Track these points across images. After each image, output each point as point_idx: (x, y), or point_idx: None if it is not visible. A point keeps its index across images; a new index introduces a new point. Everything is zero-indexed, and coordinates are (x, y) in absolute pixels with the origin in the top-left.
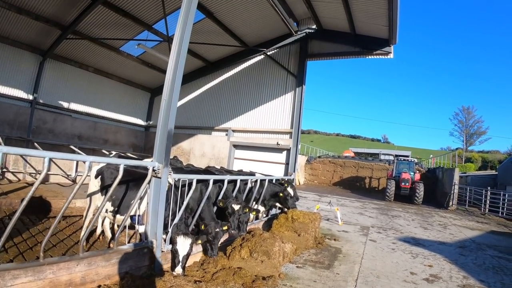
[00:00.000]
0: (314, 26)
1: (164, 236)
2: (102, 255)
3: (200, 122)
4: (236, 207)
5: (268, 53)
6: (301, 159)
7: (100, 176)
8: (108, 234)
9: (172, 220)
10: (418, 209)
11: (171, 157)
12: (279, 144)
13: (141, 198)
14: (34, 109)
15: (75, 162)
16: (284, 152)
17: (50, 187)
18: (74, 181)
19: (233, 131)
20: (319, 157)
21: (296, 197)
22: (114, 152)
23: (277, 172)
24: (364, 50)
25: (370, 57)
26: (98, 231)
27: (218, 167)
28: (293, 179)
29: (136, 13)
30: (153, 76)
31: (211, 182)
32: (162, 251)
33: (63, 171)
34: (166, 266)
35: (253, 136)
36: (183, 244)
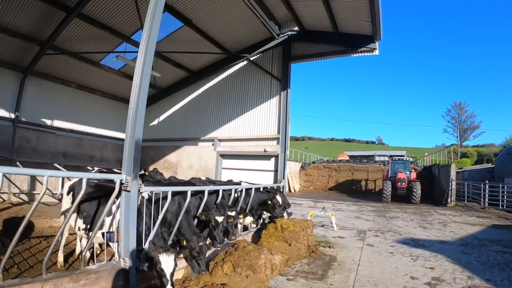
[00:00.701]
0: (296, 28)
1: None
2: (68, 276)
3: (186, 134)
4: (220, 218)
5: (251, 59)
6: (295, 166)
7: (71, 193)
8: (87, 253)
9: (147, 235)
10: (416, 208)
11: (152, 169)
12: (266, 151)
13: (113, 214)
14: (16, 128)
15: (60, 180)
16: (273, 159)
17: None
18: (60, 199)
19: (220, 140)
20: (313, 162)
21: (287, 204)
22: (96, 168)
23: (267, 180)
24: (349, 48)
25: (355, 55)
26: (77, 250)
27: (204, 178)
28: (283, 186)
29: (113, 24)
30: None
31: (188, 194)
32: (138, 270)
33: (48, 189)
34: (145, 285)
35: (240, 145)
36: (167, 262)
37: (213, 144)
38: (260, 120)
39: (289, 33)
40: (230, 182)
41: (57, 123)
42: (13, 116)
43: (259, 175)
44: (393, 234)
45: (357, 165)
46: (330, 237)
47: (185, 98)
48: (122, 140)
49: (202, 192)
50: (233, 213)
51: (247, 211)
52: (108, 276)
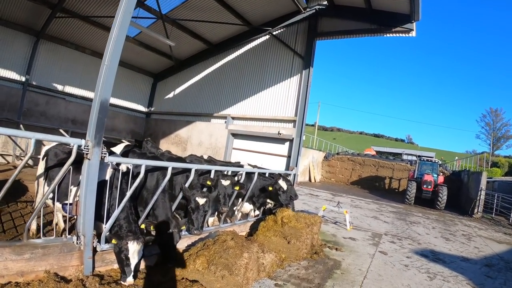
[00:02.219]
0: (325, 2)
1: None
2: (10, 247)
3: (200, 109)
4: (201, 200)
5: (274, 33)
6: (318, 155)
7: (45, 158)
8: (61, 224)
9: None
10: (440, 215)
11: (149, 143)
12: (280, 134)
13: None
14: (26, 91)
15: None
16: (287, 144)
17: (34, 171)
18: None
19: (233, 118)
20: (337, 153)
21: (293, 194)
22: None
23: (278, 166)
24: (382, 27)
25: (389, 35)
26: (55, 220)
27: (206, 157)
28: (294, 174)
29: None
30: (155, 59)
31: (169, 170)
32: (97, 251)
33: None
34: (104, 269)
35: (253, 124)
36: (135, 251)
37: (225, 122)
38: (277, 100)
39: (317, 7)
40: (230, 163)
41: (69, 89)
42: (23, 79)
43: (270, 160)
44: (411, 242)
45: (382, 161)
46: (341, 237)
47: (202, 71)
48: (135, 111)
49: (189, 170)
50: (227, 182)
51: (246, 197)
52: (59, 253)
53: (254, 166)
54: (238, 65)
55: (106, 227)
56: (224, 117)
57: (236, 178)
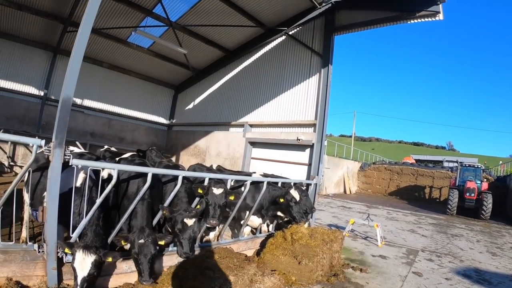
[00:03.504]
0: None
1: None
2: None
3: (218, 118)
4: (190, 221)
5: (290, 33)
6: (354, 166)
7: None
8: (23, 231)
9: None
10: (485, 225)
11: (191, 158)
12: (299, 140)
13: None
14: (44, 105)
15: None
16: (307, 150)
17: None
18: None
19: (250, 125)
20: (373, 163)
21: (309, 207)
22: (106, 146)
23: (299, 175)
24: (404, 13)
25: (413, 21)
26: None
27: (215, 166)
28: (315, 184)
29: None
30: (174, 71)
31: (149, 176)
32: (65, 262)
33: None
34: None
35: (271, 131)
36: (81, 262)
37: (243, 130)
38: (295, 103)
39: (333, 0)
40: (242, 173)
41: (87, 103)
42: (42, 93)
43: (291, 169)
44: (452, 259)
45: (421, 170)
46: (369, 255)
47: (220, 79)
48: (157, 123)
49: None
50: (220, 191)
51: (253, 209)
52: (21, 261)
53: (271, 176)
54: (255, 70)
55: (72, 236)
56: (242, 125)
57: (243, 189)
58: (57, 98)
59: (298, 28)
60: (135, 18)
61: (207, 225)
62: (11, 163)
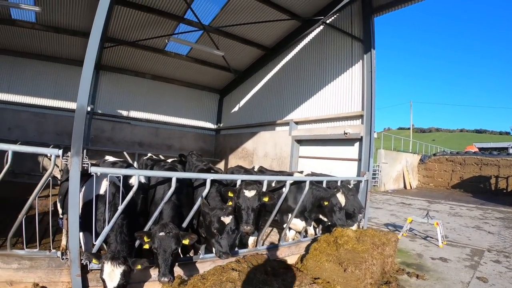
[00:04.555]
0: None
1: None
2: None
3: (263, 118)
4: (227, 219)
5: (327, 21)
6: (413, 159)
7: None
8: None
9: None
10: None
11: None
12: (346, 134)
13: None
14: (91, 119)
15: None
16: (356, 144)
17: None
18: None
19: (296, 123)
20: (434, 155)
21: (357, 207)
22: (149, 154)
23: (349, 171)
24: None
25: None
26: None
27: (257, 168)
28: (366, 181)
29: (159, 6)
30: (216, 75)
31: (173, 181)
32: (89, 270)
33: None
34: None
35: (317, 127)
36: (110, 274)
37: (288, 128)
38: (340, 95)
39: None
40: (285, 173)
41: (133, 114)
42: (89, 108)
43: (340, 165)
44: None
45: (485, 158)
46: (428, 257)
47: (262, 79)
48: (204, 128)
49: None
50: (253, 193)
51: (295, 211)
52: (47, 267)
53: (318, 175)
54: (296, 65)
55: (95, 244)
56: (287, 123)
57: (284, 189)
58: (104, 112)
59: (335, 16)
60: (169, 27)
61: (242, 231)
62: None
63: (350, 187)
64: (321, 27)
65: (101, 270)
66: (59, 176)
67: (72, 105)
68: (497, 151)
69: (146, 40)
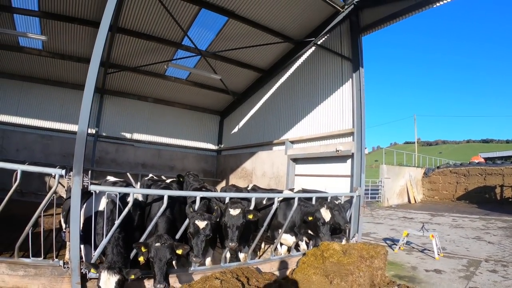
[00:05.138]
0: None
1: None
2: (6, 263)
3: (260, 138)
4: (201, 224)
5: (318, 42)
6: (416, 172)
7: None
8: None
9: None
10: None
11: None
12: (338, 151)
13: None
14: (96, 142)
15: None
16: (349, 161)
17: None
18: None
19: (291, 142)
20: (438, 167)
21: (342, 222)
22: (150, 175)
23: (342, 187)
24: None
25: (437, 4)
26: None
27: (251, 186)
28: (359, 196)
29: (158, 34)
30: (216, 97)
31: (165, 199)
32: (88, 278)
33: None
34: None
35: (311, 146)
36: (106, 282)
37: (284, 147)
38: (331, 113)
39: (355, 1)
40: (275, 191)
41: (136, 136)
42: (93, 131)
43: (334, 182)
44: None
45: (489, 168)
46: (422, 270)
47: (260, 100)
48: (205, 150)
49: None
50: (237, 211)
51: (284, 227)
52: (50, 275)
53: (311, 192)
54: (291, 85)
55: (94, 255)
56: (283, 143)
57: (275, 205)
58: (108, 134)
59: (325, 37)
60: (168, 52)
61: (227, 247)
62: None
63: (337, 202)
64: (313, 48)
65: (98, 278)
66: (65, 196)
67: (77, 128)
68: (503, 159)
69: (147, 65)
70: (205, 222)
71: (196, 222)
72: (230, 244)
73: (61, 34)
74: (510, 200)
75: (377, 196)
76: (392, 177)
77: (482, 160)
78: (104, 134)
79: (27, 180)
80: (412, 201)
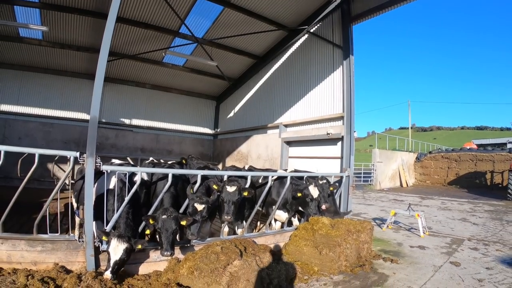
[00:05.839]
0: None
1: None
2: (25, 239)
3: (256, 122)
4: (200, 206)
5: (311, 30)
6: (409, 157)
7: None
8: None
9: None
10: None
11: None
12: (329, 134)
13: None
14: (97, 128)
15: None
16: (339, 144)
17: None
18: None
19: (285, 126)
20: (430, 152)
21: (323, 200)
22: (151, 158)
23: (333, 169)
24: None
25: None
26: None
27: (247, 167)
28: (348, 177)
29: (156, 22)
30: (212, 83)
31: (169, 176)
32: (101, 251)
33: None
34: None
35: (304, 129)
36: (115, 248)
37: (278, 131)
38: (324, 98)
39: None
40: (270, 170)
41: (135, 122)
42: None
43: (325, 163)
44: (500, 247)
45: (480, 154)
46: (407, 246)
47: (255, 85)
48: (202, 134)
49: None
50: (233, 188)
51: (277, 203)
52: (66, 249)
53: (303, 172)
54: (285, 71)
55: (106, 229)
56: (277, 127)
57: (269, 184)
58: (108, 120)
59: (318, 25)
60: (165, 40)
61: (222, 220)
62: (72, 181)
63: (321, 182)
64: (306, 35)
65: (108, 244)
66: (67, 181)
67: (77, 115)
68: (495, 146)
69: (145, 53)
70: (203, 206)
71: (195, 204)
72: (226, 217)
73: (61, 24)
74: (500, 185)
75: (369, 179)
76: (385, 161)
77: (475, 146)
78: (104, 120)
79: (30, 167)
80: (404, 184)
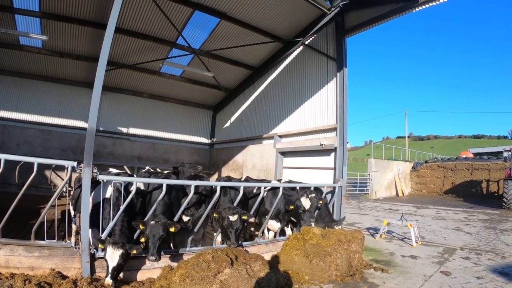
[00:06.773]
0: None
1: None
2: (23, 245)
3: (251, 132)
4: (185, 218)
5: (306, 42)
6: (405, 166)
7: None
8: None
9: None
10: None
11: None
12: (322, 145)
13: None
14: (94, 136)
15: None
16: (332, 155)
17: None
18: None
19: (280, 136)
20: (426, 162)
21: (315, 207)
22: (147, 167)
23: (326, 179)
24: (408, 3)
25: (416, 9)
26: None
27: (243, 178)
28: (341, 187)
29: (153, 33)
30: (209, 93)
31: (164, 186)
32: (96, 258)
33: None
34: (104, 274)
35: (298, 140)
36: (111, 255)
37: (273, 141)
38: (317, 110)
39: (341, 4)
40: (265, 181)
41: (132, 130)
42: None
43: (319, 174)
44: (492, 256)
45: (476, 163)
46: (399, 255)
47: (251, 96)
48: (199, 143)
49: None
50: (235, 217)
51: (270, 213)
52: (63, 255)
53: (296, 182)
54: (280, 82)
55: (102, 236)
56: (272, 137)
57: (261, 195)
58: (105, 129)
59: (313, 37)
60: (163, 51)
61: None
62: (69, 188)
63: (311, 195)
64: (301, 47)
65: (104, 252)
66: (64, 189)
67: (75, 123)
68: (491, 155)
69: (143, 63)
70: (187, 218)
71: (183, 216)
72: (232, 246)
73: (60, 34)
74: (496, 194)
75: (365, 189)
76: (380, 170)
77: (471, 155)
78: (101, 128)
79: (27, 174)
80: (400, 194)
